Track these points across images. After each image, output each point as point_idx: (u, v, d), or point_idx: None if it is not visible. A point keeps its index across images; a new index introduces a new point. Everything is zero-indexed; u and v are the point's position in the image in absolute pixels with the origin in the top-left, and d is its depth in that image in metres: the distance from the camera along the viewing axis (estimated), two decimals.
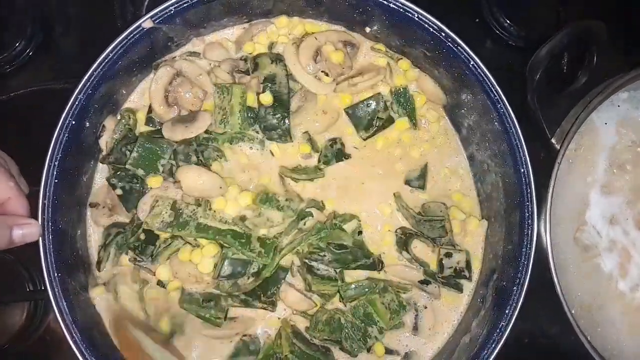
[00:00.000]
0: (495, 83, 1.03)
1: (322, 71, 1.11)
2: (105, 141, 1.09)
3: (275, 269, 1.06)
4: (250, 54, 1.14)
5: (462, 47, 1.04)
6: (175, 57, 1.14)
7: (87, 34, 1.33)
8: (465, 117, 1.14)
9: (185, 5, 1.04)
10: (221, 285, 1.06)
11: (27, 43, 1.29)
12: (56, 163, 0.99)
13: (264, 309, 1.07)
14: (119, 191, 1.07)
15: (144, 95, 1.14)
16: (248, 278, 1.05)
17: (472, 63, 1.04)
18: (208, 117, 1.07)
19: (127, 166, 1.05)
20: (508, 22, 1.34)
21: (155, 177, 1.07)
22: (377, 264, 1.09)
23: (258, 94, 1.09)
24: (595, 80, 1.05)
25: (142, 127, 1.12)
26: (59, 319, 0.97)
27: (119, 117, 1.11)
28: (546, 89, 1.06)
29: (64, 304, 0.98)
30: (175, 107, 1.10)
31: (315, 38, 1.12)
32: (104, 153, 1.10)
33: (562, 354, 1.20)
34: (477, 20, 1.38)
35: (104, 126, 1.09)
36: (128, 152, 1.06)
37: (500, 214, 1.10)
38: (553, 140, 1.03)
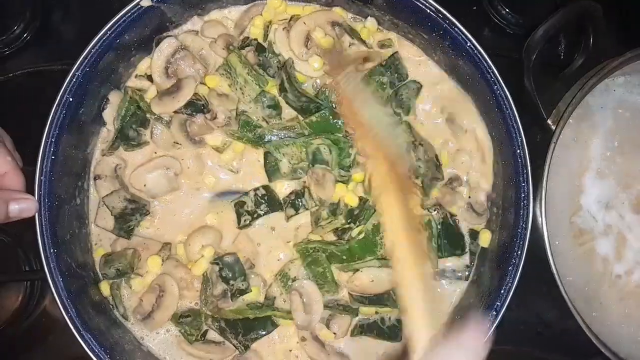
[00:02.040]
0: (492, 64, 1.03)
1: (316, 54, 1.11)
2: (110, 115, 1.10)
3: (263, 315, 1.08)
4: (255, 39, 1.13)
5: (459, 29, 1.04)
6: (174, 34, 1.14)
7: (85, 17, 1.33)
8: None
9: None
10: (204, 298, 1.07)
11: (25, 26, 1.29)
12: (53, 140, 0.99)
13: (235, 347, 1.08)
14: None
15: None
16: (232, 295, 1.06)
17: (469, 44, 1.04)
18: (192, 82, 1.07)
19: None
20: (506, 9, 1.35)
21: None
22: None
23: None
24: (591, 62, 1.05)
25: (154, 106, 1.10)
26: (55, 294, 0.97)
27: (124, 92, 1.11)
28: (543, 72, 1.06)
29: (60, 279, 0.98)
30: (174, 78, 1.10)
31: (304, 23, 1.11)
32: (108, 127, 1.11)
33: (559, 339, 1.20)
34: (475, 8, 1.38)
35: (107, 99, 1.10)
36: (141, 132, 1.08)
37: (498, 195, 1.10)
38: (549, 122, 1.03)
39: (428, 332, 0.62)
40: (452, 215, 1.11)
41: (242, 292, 1.07)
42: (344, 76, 1.00)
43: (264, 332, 1.09)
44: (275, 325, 1.09)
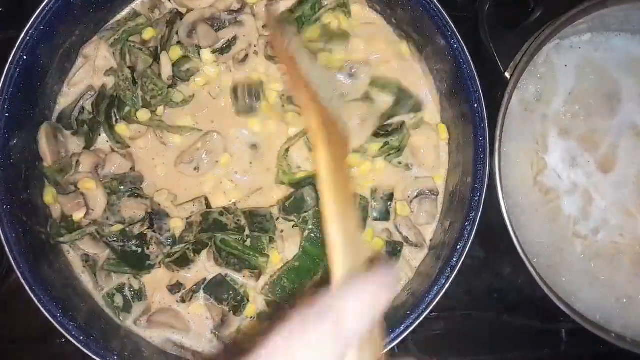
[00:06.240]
0: (448, 19, 1.01)
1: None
2: None
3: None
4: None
5: None
6: None
7: None
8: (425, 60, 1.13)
9: None
10: None
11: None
12: (7, 97, 0.99)
13: None
14: None
15: None
16: None
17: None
18: None
19: None
20: None
21: None
22: None
23: None
24: (548, 16, 1.03)
25: None
26: (6, 248, 0.97)
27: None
28: (500, 26, 1.04)
29: (13, 235, 0.98)
30: None
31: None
32: None
33: (529, 304, 1.17)
34: None
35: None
36: None
37: (457, 151, 1.09)
38: (507, 74, 1.02)
39: (345, 267, 0.65)
40: None
41: None
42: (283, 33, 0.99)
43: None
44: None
